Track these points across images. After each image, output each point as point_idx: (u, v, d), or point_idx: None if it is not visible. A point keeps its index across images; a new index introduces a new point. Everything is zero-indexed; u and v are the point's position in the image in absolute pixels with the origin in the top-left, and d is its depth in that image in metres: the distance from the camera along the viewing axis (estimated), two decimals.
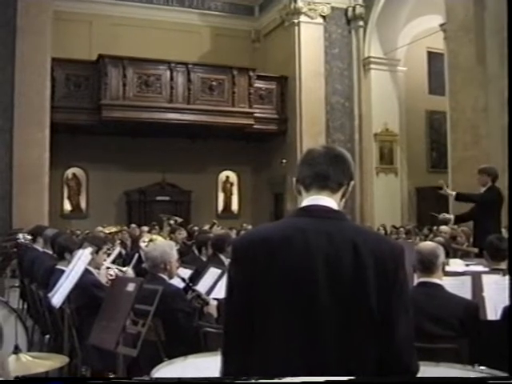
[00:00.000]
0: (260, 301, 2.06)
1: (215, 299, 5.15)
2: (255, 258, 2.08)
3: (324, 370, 1.98)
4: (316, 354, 1.99)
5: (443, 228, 10.93)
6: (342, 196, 2.23)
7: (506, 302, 3.94)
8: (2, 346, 1.39)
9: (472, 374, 3.14)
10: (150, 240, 8.86)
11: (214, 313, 4.97)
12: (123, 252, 10.41)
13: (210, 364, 2.31)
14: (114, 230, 13.18)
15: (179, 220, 13.44)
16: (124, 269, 6.56)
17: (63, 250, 6.35)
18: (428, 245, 4.36)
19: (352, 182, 2.26)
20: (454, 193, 9.50)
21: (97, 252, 5.90)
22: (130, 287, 4.17)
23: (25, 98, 15.28)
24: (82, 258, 5.06)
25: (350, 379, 1.96)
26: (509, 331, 2.99)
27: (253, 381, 1.92)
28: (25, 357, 3.44)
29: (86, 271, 5.44)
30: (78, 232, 13.64)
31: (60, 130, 16.23)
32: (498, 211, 8.92)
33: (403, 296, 2.07)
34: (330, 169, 2.19)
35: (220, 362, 2.16)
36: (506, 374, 3.00)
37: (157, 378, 2.93)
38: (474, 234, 9.24)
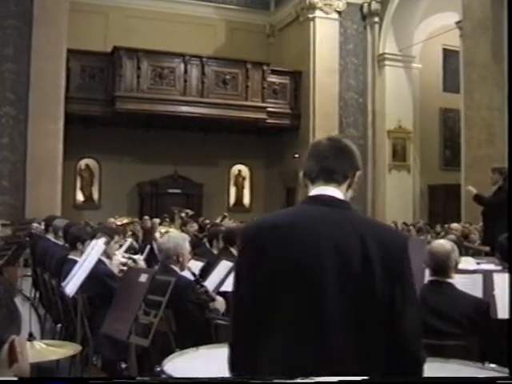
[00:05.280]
0: (268, 289, 2.06)
1: (225, 293, 5.17)
2: (264, 245, 2.09)
3: (332, 358, 1.99)
4: (324, 343, 2.00)
5: (454, 225, 10.93)
6: (349, 187, 2.25)
7: None
8: (20, 332, 1.41)
9: (482, 372, 3.15)
10: (166, 232, 8.90)
11: (221, 308, 4.99)
12: (134, 244, 10.45)
13: (221, 355, 2.31)
14: (125, 221, 13.22)
15: (190, 213, 13.47)
16: (136, 257, 6.60)
17: (75, 240, 6.38)
18: (442, 247, 4.25)
19: (358, 173, 2.28)
20: (474, 191, 9.51)
21: (108, 242, 5.93)
22: (143, 278, 4.20)
23: (40, 89, 15.37)
24: (96, 247, 5.09)
25: (364, 379, 1.98)
26: (509, 330, 2.99)
27: (267, 381, 1.93)
28: (39, 344, 3.47)
29: (99, 261, 5.47)
30: (92, 223, 13.68)
31: (74, 121, 16.31)
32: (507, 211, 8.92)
33: (409, 287, 2.08)
34: (335, 162, 2.20)
35: (228, 352, 2.17)
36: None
37: (161, 378, 2.94)
38: (484, 233, 9.25)
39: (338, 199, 2.17)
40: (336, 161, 2.21)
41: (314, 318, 2.01)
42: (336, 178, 2.20)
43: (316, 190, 2.20)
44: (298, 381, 1.88)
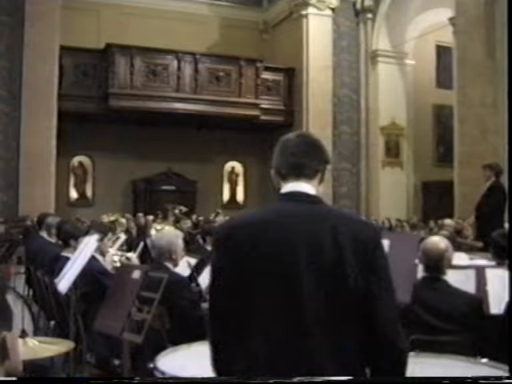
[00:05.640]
0: (243, 286, 2.07)
1: None
2: (237, 244, 2.11)
3: (310, 352, 2.00)
4: (301, 337, 2.01)
5: (447, 221, 10.97)
6: (320, 181, 2.26)
7: (509, 296, 3.95)
8: (11, 328, 1.40)
9: (474, 366, 3.16)
10: (161, 229, 8.90)
11: None
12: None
13: None
14: (112, 218, 13.25)
15: (184, 209, 13.48)
16: (129, 254, 6.60)
17: (69, 238, 6.37)
18: (436, 244, 4.26)
19: (328, 166, 2.30)
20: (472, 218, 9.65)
21: (101, 239, 5.93)
22: (136, 274, 4.20)
23: (33, 86, 15.33)
24: (89, 244, 5.09)
25: (350, 379, 1.99)
26: (509, 329, 3.00)
27: (266, 381, 1.94)
28: (31, 341, 3.47)
29: (92, 258, 5.47)
30: (84, 219, 13.66)
31: (67, 118, 16.25)
32: (502, 207, 9.01)
33: (383, 275, 2.09)
34: (305, 158, 2.22)
35: (210, 351, 2.18)
36: (506, 367, 3.02)
37: (162, 378, 2.95)
38: (477, 229, 9.29)
39: (309, 194, 2.19)
40: (305, 156, 2.23)
41: (290, 313, 2.02)
42: (306, 173, 2.22)
43: (287, 187, 2.22)
44: (295, 380, 1.89)
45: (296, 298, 2.02)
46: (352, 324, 2.03)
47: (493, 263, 5.14)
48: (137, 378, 2.87)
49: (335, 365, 1.99)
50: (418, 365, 3.18)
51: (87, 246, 5.07)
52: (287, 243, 2.05)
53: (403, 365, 2.10)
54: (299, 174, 2.21)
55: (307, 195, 2.18)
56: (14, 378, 1.48)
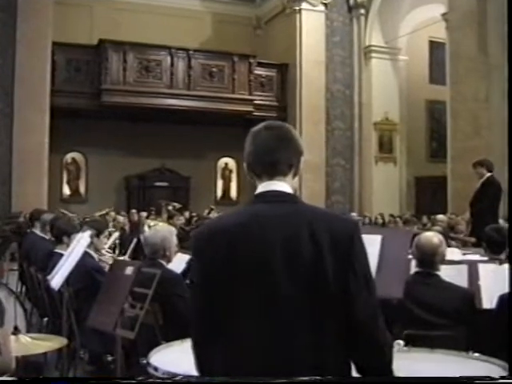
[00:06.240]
0: (223, 291, 2.06)
1: None
2: (215, 248, 2.08)
3: (290, 349, 2.00)
4: (281, 340, 2.00)
5: (440, 217, 10.99)
6: (294, 175, 2.22)
7: (502, 291, 3.96)
8: (3, 324, 1.39)
9: (466, 361, 3.17)
10: (155, 225, 8.89)
11: None
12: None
13: None
14: (101, 212, 13.26)
15: (177, 206, 13.48)
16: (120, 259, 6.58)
17: (62, 234, 6.36)
18: (430, 240, 4.28)
19: (302, 158, 2.24)
20: (467, 214, 9.67)
21: (98, 236, 5.91)
22: (129, 271, 4.20)
23: (25, 82, 15.28)
24: (82, 240, 5.08)
25: (340, 379, 1.99)
26: (509, 328, 3.00)
27: (264, 381, 1.94)
28: (24, 338, 3.46)
29: (87, 255, 5.46)
30: (71, 215, 13.58)
31: (60, 114, 16.21)
32: (496, 202, 9.02)
33: (362, 271, 2.07)
34: (278, 153, 2.17)
35: (192, 351, 2.18)
36: (498, 361, 3.03)
37: (163, 378, 2.95)
38: (472, 224, 9.30)
39: (284, 193, 2.16)
40: (278, 151, 2.17)
41: (270, 314, 2.01)
42: (281, 168, 2.17)
43: (262, 186, 2.18)
44: (295, 380, 1.90)
45: (275, 300, 2.01)
46: (332, 322, 2.01)
47: (485, 258, 5.16)
48: (138, 378, 2.86)
49: (316, 361, 1.99)
50: (408, 360, 3.20)
51: (79, 243, 5.06)
52: (264, 246, 2.04)
53: (389, 360, 2.09)
54: (273, 171, 2.16)
55: (282, 194, 2.15)
56: (15, 378, 1.48)
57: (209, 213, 13.83)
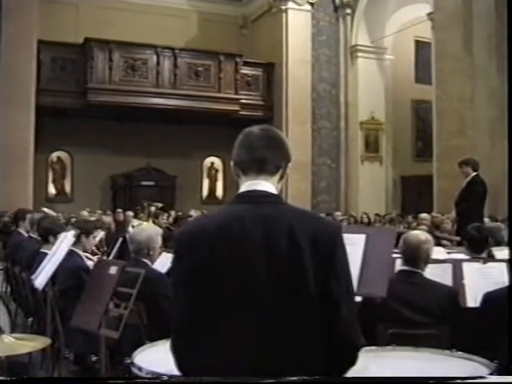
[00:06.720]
0: (203, 292, 2.06)
1: None
2: (195, 250, 2.08)
3: (271, 354, 2.00)
4: (261, 340, 2.01)
5: (423, 215, 11.04)
6: (280, 178, 2.23)
7: (486, 290, 3.99)
8: None
9: (449, 359, 3.18)
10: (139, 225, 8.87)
11: None
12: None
13: None
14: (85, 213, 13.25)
15: (160, 205, 13.45)
16: None
17: (48, 233, 6.33)
18: (416, 236, 4.30)
19: (290, 164, 2.25)
20: (453, 214, 9.71)
21: (87, 236, 5.88)
22: (113, 270, 4.19)
23: (10, 81, 15.19)
24: (65, 240, 5.06)
25: (327, 379, 2.00)
26: (509, 328, 3.02)
27: (262, 381, 1.94)
28: (7, 338, 3.44)
29: (76, 255, 5.45)
30: (54, 214, 13.48)
31: (45, 113, 16.16)
32: (482, 201, 9.07)
33: (343, 275, 2.08)
34: (267, 152, 2.18)
35: (171, 352, 2.17)
36: (482, 359, 3.04)
37: (148, 378, 2.94)
38: (457, 223, 9.34)
39: (268, 194, 2.16)
40: (268, 150, 2.19)
41: (251, 316, 2.01)
42: (268, 168, 2.19)
43: (247, 185, 2.19)
44: (283, 380, 1.90)
45: (255, 301, 2.01)
46: (312, 322, 2.02)
47: (468, 257, 5.19)
48: (139, 378, 2.86)
49: (297, 361, 2.00)
50: (392, 359, 3.21)
51: (64, 242, 5.04)
52: (245, 247, 2.04)
53: (355, 360, 2.11)
54: (261, 169, 2.17)
55: (266, 195, 2.15)
56: (15, 378, 1.47)
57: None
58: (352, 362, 2.10)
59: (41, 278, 4.97)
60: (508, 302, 3.24)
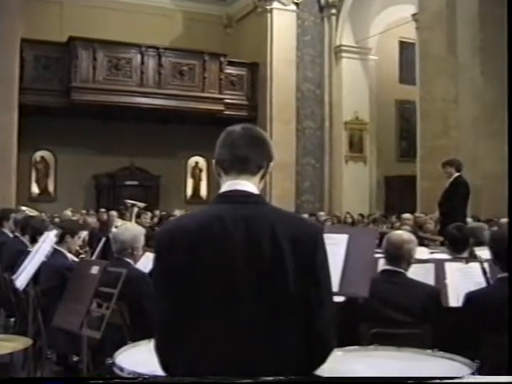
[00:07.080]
0: (184, 291, 2.05)
1: None
2: (176, 249, 2.07)
3: (251, 354, 2.01)
4: (242, 339, 2.01)
5: (406, 216, 11.09)
6: (262, 178, 2.23)
7: (468, 289, 4.01)
8: None
9: (432, 359, 3.19)
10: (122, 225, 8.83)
11: None
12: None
13: None
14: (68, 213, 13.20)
15: (142, 205, 13.41)
16: None
17: (35, 233, 6.31)
18: (399, 236, 4.33)
19: (271, 164, 2.25)
20: (437, 214, 9.75)
21: (72, 236, 5.86)
22: (95, 270, 4.17)
23: None
24: (48, 240, 5.04)
25: (304, 378, 2.02)
26: (509, 328, 3.04)
27: (260, 380, 1.94)
28: None
29: (60, 254, 5.43)
30: (35, 213, 13.40)
31: (28, 112, 16.04)
32: (465, 202, 9.13)
33: (323, 277, 2.09)
34: (249, 151, 2.18)
35: (155, 351, 2.16)
36: (463, 359, 3.05)
37: (129, 378, 2.93)
38: (441, 223, 9.39)
39: (249, 194, 2.16)
40: (249, 149, 2.18)
41: (231, 317, 2.02)
42: (249, 167, 2.18)
43: (228, 185, 2.18)
44: (260, 380, 1.90)
45: (236, 301, 2.01)
46: (292, 322, 2.03)
47: (450, 257, 5.21)
48: (139, 378, 2.85)
49: (276, 361, 2.01)
50: (374, 358, 3.22)
51: (45, 242, 5.02)
52: (225, 247, 2.03)
53: (325, 360, 2.13)
54: (242, 168, 2.17)
55: (247, 195, 2.15)
56: (15, 378, 1.46)
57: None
58: (323, 361, 2.12)
59: (22, 278, 4.94)
60: (508, 302, 3.26)
